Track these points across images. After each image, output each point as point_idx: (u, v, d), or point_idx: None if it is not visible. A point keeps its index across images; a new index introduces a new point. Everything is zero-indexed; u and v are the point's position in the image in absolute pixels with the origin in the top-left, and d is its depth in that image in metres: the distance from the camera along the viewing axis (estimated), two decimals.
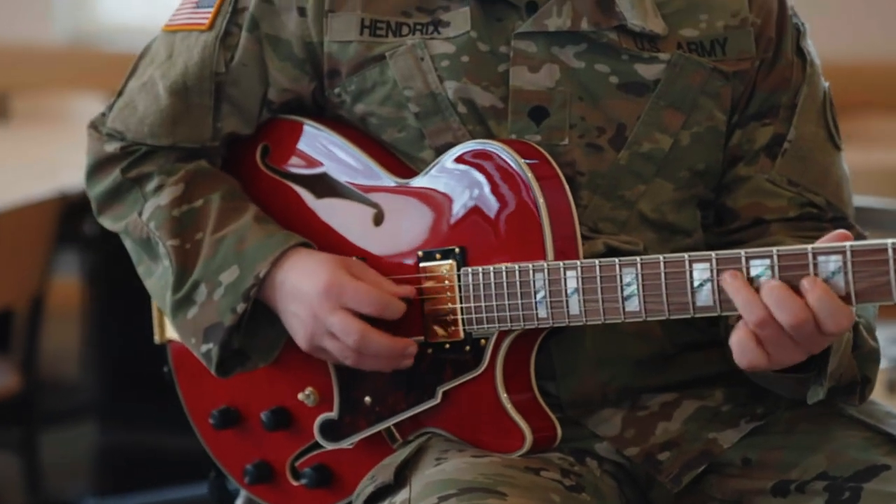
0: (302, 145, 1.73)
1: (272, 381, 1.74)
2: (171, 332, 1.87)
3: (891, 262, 1.33)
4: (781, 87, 1.65)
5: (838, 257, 1.36)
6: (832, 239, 1.39)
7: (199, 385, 1.84)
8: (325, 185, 1.70)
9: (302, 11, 1.67)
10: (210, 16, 1.70)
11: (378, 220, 1.65)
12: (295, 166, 1.73)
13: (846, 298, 1.36)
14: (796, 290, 1.38)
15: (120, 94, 1.75)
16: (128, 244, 1.75)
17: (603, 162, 1.61)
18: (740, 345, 1.42)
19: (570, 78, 1.61)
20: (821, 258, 1.37)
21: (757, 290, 1.40)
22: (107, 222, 1.76)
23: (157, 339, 1.89)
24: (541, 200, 1.54)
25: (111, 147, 1.73)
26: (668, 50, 1.62)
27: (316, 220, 1.70)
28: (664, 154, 1.62)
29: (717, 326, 1.63)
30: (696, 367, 1.65)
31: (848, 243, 1.36)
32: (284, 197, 1.72)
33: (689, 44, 1.63)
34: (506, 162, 1.56)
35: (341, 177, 1.69)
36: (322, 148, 1.71)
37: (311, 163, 1.71)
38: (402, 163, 1.67)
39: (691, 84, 1.62)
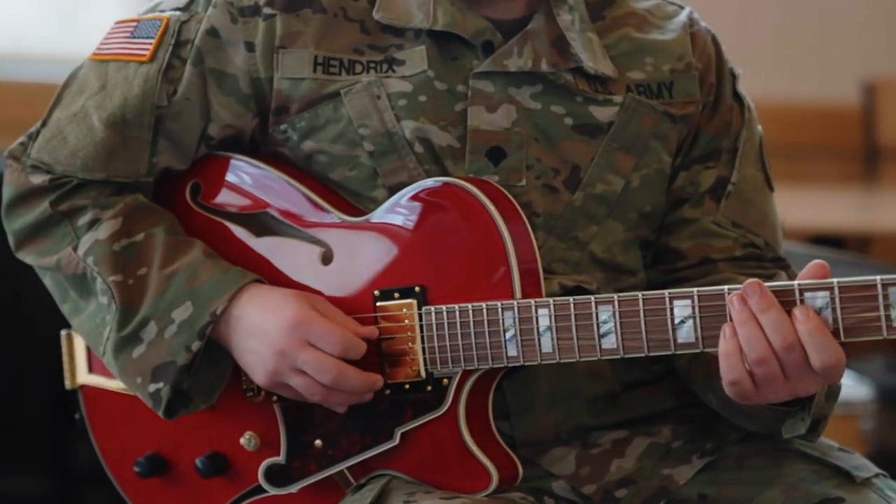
0: (238, 183, 1.69)
1: (205, 425, 1.69)
2: (84, 377, 1.80)
3: (880, 297, 1.37)
4: (723, 132, 1.70)
5: (825, 293, 1.40)
6: (810, 272, 1.43)
7: (117, 431, 1.77)
8: (264, 224, 1.66)
9: (250, 46, 1.64)
10: (151, 47, 1.65)
11: (326, 258, 1.62)
12: (231, 204, 1.68)
13: (834, 334, 1.40)
14: None
15: (44, 123, 1.68)
16: (51, 280, 1.68)
17: (558, 203, 1.63)
18: (738, 384, 1.44)
19: (526, 119, 1.62)
20: (808, 294, 1.41)
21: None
22: (28, 258, 1.68)
23: (67, 384, 1.81)
24: (508, 239, 1.54)
25: (38, 179, 1.66)
26: (619, 92, 1.65)
27: (256, 259, 1.66)
28: (616, 196, 1.65)
29: (659, 364, 1.66)
30: (642, 404, 1.67)
31: (835, 280, 1.40)
32: (220, 236, 1.68)
33: (637, 86, 1.66)
34: (471, 199, 1.56)
35: (283, 215, 1.65)
36: (261, 185, 1.67)
37: (250, 201, 1.67)
38: (348, 202, 1.65)
39: (643, 127, 1.65)
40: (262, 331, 1.56)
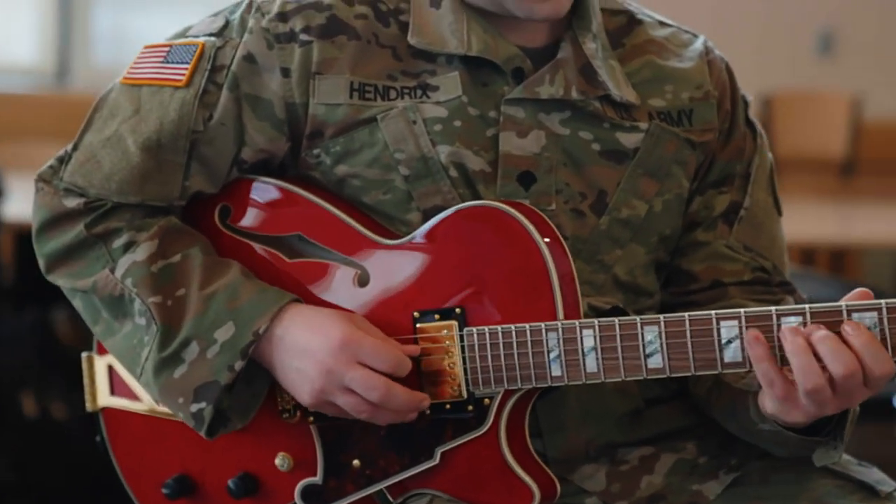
0: (269, 205, 1.70)
1: (236, 446, 1.70)
2: (105, 400, 1.81)
3: None
4: (736, 157, 1.75)
5: (873, 314, 1.45)
6: (856, 296, 1.48)
7: (142, 453, 1.78)
8: (296, 247, 1.68)
9: (286, 72, 1.66)
10: (187, 72, 1.66)
11: (362, 280, 1.65)
12: (262, 227, 1.70)
13: None
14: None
15: (76, 147, 1.69)
16: (83, 302, 1.68)
17: (585, 227, 1.67)
18: (781, 404, 1.49)
19: (555, 144, 1.66)
20: (855, 315, 1.46)
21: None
22: (60, 280, 1.69)
23: (88, 406, 1.81)
24: (550, 261, 1.58)
25: (72, 202, 1.67)
26: (642, 119, 1.70)
27: (289, 281, 1.67)
28: (640, 220, 1.69)
29: (676, 381, 1.70)
30: (666, 421, 1.72)
31: (883, 301, 1.45)
32: (250, 258, 1.69)
33: (658, 113, 1.71)
34: (512, 222, 1.59)
35: (315, 237, 1.67)
36: (292, 208, 1.69)
37: (281, 223, 1.69)
38: (380, 225, 1.67)
39: (666, 153, 1.70)
40: (308, 350, 1.58)
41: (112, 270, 1.65)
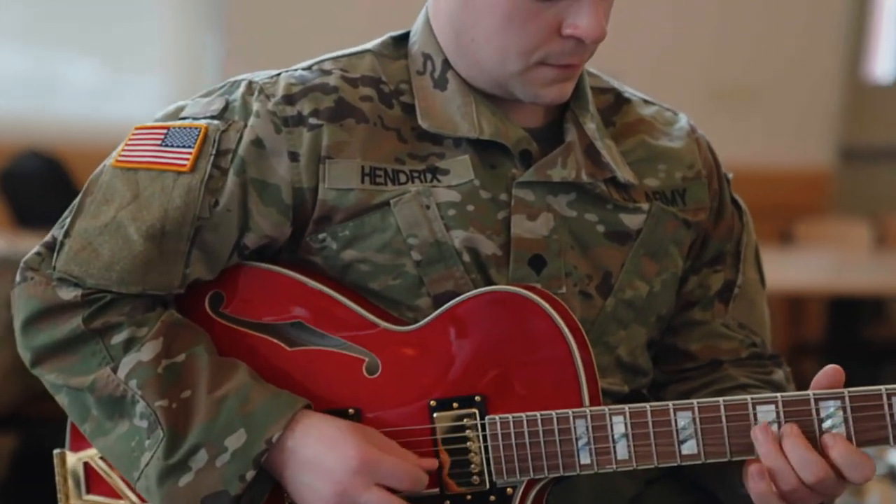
0: (266, 292, 1.64)
1: None
2: (79, 501, 1.71)
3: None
4: (727, 236, 1.77)
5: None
6: (828, 377, 1.50)
7: None
8: (297, 335, 1.62)
9: (294, 156, 1.60)
10: (190, 157, 1.60)
11: (371, 369, 1.60)
12: (260, 314, 1.64)
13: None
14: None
15: (67, 234, 1.60)
16: (71, 399, 1.59)
17: (593, 309, 1.66)
18: (764, 497, 1.50)
19: (563, 226, 1.65)
20: (894, 398, 1.48)
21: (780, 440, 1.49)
22: (50, 375, 1.59)
23: None
24: (574, 346, 1.56)
25: (68, 294, 1.58)
26: (641, 199, 1.70)
27: (291, 371, 1.62)
28: (642, 301, 1.69)
29: None
30: (667, 499, 1.71)
31: (874, 389, 1.48)
32: (247, 348, 1.63)
33: (654, 193, 1.71)
34: (533, 307, 1.57)
35: (318, 325, 1.62)
36: (291, 294, 1.63)
37: (280, 310, 1.63)
38: (386, 311, 1.63)
39: (665, 234, 1.70)
40: (322, 467, 1.53)
41: (114, 370, 1.56)
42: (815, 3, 6.24)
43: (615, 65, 1.70)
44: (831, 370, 1.51)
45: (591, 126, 1.68)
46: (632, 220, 1.68)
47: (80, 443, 1.69)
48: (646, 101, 1.78)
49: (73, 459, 1.71)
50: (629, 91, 1.78)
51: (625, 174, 1.68)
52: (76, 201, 1.62)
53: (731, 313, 1.75)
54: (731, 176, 1.80)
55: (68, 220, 1.61)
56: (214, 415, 1.54)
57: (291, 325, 1.63)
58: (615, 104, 1.75)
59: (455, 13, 1.60)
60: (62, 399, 1.61)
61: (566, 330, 1.56)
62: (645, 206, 1.69)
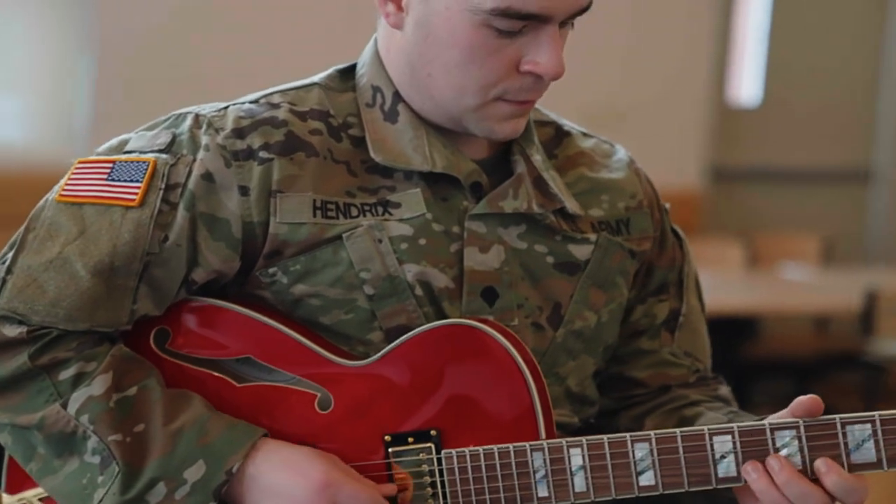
0: (213, 328, 1.62)
1: None
2: None
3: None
4: (670, 265, 1.79)
5: (867, 426, 1.50)
6: (803, 405, 1.52)
7: None
8: (247, 370, 1.61)
9: (244, 190, 1.58)
10: (139, 191, 1.57)
11: (324, 404, 1.59)
12: (206, 351, 1.61)
13: (877, 464, 1.50)
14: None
15: (9, 271, 1.56)
16: (15, 438, 1.56)
17: (544, 340, 1.66)
18: None
19: (514, 258, 1.65)
20: (848, 427, 1.51)
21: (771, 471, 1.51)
22: None
23: None
24: (530, 379, 1.56)
25: (12, 331, 1.54)
26: (587, 230, 1.71)
27: (243, 407, 1.59)
28: (591, 331, 1.70)
29: None
30: None
31: (877, 413, 1.51)
32: (195, 385, 1.60)
33: (599, 223, 1.72)
34: (489, 340, 1.57)
35: (267, 360, 1.60)
36: (239, 330, 1.61)
37: (229, 345, 1.61)
38: (337, 346, 1.62)
39: (612, 264, 1.71)
40: (284, 492, 1.51)
41: (64, 405, 1.53)
42: (684, 28, 6.35)
43: None
44: (808, 400, 1.52)
45: (538, 158, 1.69)
46: (580, 251, 1.69)
47: (17, 485, 1.65)
48: (584, 134, 1.80)
49: (11, 501, 1.67)
50: (567, 124, 1.80)
51: (572, 205, 1.69)
52: (17, 237, 1.58)
53: (677, 342, 1.77)
54: (668, 206, 1.83)
55: (10, 256, 1.57)
56: (172, 447, 1.52)
57: (240, 360, 1.61)
58: (556, 137, 1.76)
59: (412, 47, 1.60)
60: (4, 438, 1.57)
61: (522, 363, 1.57)
62: (592, 236, 1.70)
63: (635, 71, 6.27)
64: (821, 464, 1.50)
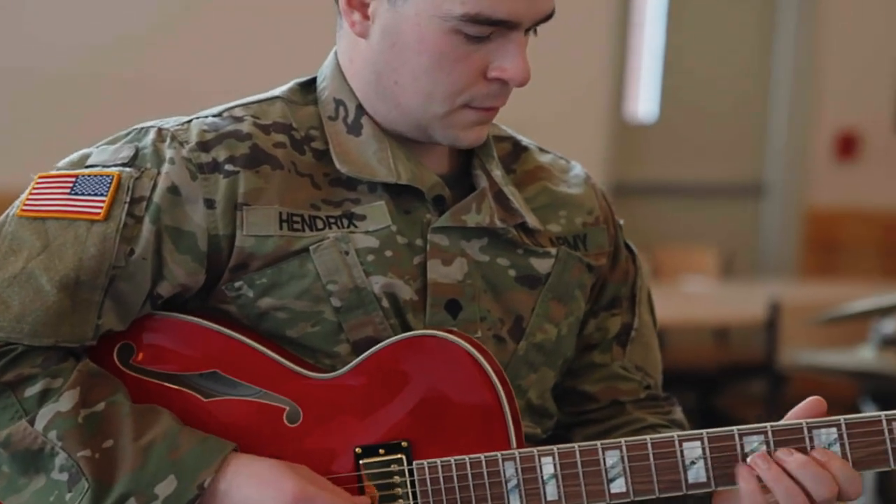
0: (179, 342, 1.61)
1: None
2: None
3: (885, 431, 1.53)
4: (622, 279, 1.80)
5: (833, 430, 1.53)
6: (810, 407, 1.55)
7: None
8: (213, 385, 1.60)
9: (210, 203, 1.58)
10: (103, 205, 1.56)
11: (292, 418, 1.58)
12: (172, 366, 1.60)
13: None
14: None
15: None
16: None
17: (505, 353, 1.67)
18: None
19: (476, 271, 1.66)
20: (815, 431, 1.54)
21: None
22: None
23: None
24: (500, 388, 1.57)
25: None
26: (547, 244, 1.72)
27: (210, 422, 1.58)
28: (552, 344, 1.71)
29: None
30: None
31: (842, 417, 1.54)
32: (161, 400, 1.59)
33: (557, 238, 1.74)
34: (458, 350, 1.57)
35: (234, 374, 1.60)
36: (206, 343, 1.60)
37: (194, 360, 1.60)
38: (302, 359, 1.62)
39: (572, 278, 1.73)
40: None
41: (31, 422, 1.51)
42: (583, 48, 6.41)
43: None
44: (814, 401, 1.55)
45: (498, 173, 1.71)
46: (541, 265, 1.71)
47: None
48: (541, 149, 1.82)
49: None
50: (524, 139, 1.81)
51: (532, 220, 1.71)
52: None
53: (628, 356, 1.78)
54: (622, 222, 1.85)
55: None
56: (142, 462, 1.51)
57: (206, 375, 1.60)
58: (514, 152, 1.78)
59: (378, 55, 1.61)
60: None
61: (491, 372, 1.58)
62: (553, 250, 1.72)
63: (535, 90, 6.29)
64: (819, 454, 1.52)
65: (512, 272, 1.69)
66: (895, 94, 7.08)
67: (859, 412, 1.58)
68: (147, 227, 1.56)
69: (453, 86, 1.59)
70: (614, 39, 6.60)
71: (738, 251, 6.92)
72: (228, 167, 1.59)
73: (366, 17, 1.61)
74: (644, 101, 6.87)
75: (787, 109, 7.07)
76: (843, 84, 7.03)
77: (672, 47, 6.86)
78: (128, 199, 1.56)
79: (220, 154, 1.59)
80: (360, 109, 1.65)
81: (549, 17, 1.61)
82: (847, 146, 7.13)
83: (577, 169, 1.82)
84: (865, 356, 3.73)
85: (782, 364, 4.75)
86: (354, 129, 1.65)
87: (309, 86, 1.70)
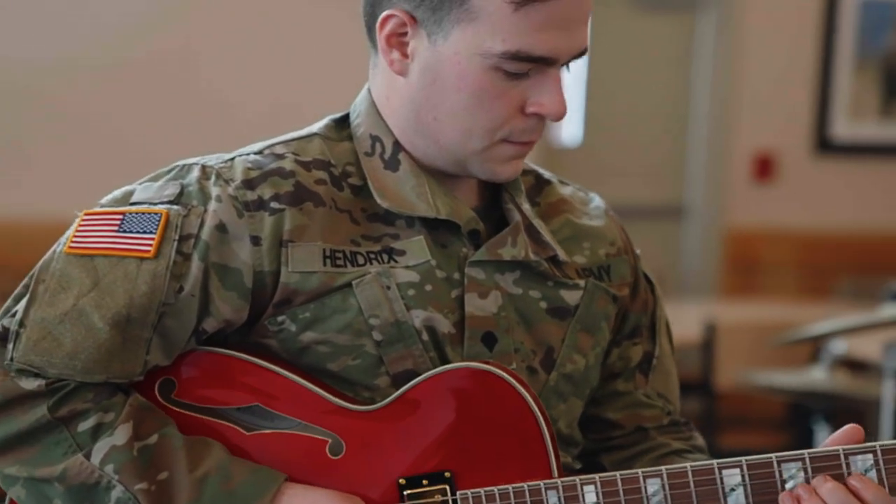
0: (221, 377, 1.62)
1: None
2: None
3: None
4: (642, 309, 1.85)
5: (869, 456, 1.58)
6: (845, 435, 1.60)
7: None
8: (255, 418, 1.61)
9: (256, 240, 1.60)
10: (153, 243, 1.57)
11: (335, 450, 1.60)
12: (215, 400, 1.62)
13: None
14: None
15: (21, 324, 1.55)
16: (30, 491, 1.55)
17: (538, 384, 1.70)
18: None
19: (510, 303, 1.70)
20: (851, 458, 1.59)
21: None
22: (10, 468, 1.55)
23: None
24: (541, 419, 1.61)
25: (30, 384, 1.54)
26: (572, 276, 1.76)
27: (254, 455, 1.60)
28: (580, 374, 1.75)
29: None
30: None
31: (878, 443, 1.59)
32: (206, 434, 1.60)
33: (583, 270, 1.78)
34: (499, 381, 1.60)
35: (276, 408, 1.61)
36: (247, 377, 1.62)
37: (236, 394, 1.62)
38: (342, 392, 1.64)
39: (599, 309, 1.77)
40: None
41: (87, 456, 1.52)
42: None
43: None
44: (852, 429, 1.60)
45: (527, 207, 1.74)
46: (571, 296, 1.74)
47: None
48: (561, 182, 1.85)
49: None
50: (545, 172, 1.85)
51: (561, 253, 1.74)
52: (23, 289, 1.57)
53: (650, 384, 1.82)
54: (639, 252, 1.89)
55: (21, 308, 1.56)
56: (198, 494, 1.52)
57: (247, 409, 1.61)
58: (537, 185, 1.81)
59: (417, 92, 1.63)
60: (17, 492, 1.55)
61: (532, 403, 1.61)
62: (581, 282, 1.75)
63: None
64: (855, 480, 1.56)
65: (543, 304, 1.72)
66: (810, 117, 7.22)
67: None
68: (196, 265, 1.58)
69: (492, 122, 1.62)
70: None
71: (661, 272, 7.01)
72: (274, 205, 1.61)
73: (405, 55, 1.63)
74: (568, 126, 6.95)
75: (706, 133, 7.18)
76: (759, 108, 7.15)
77: (594, 74, 6.95)
78: (177, 237, 1.58)
79: (266, 192, 1.61)
80: (397, 145, 1.67)
81: (583, 52, 1.64)
82: (764, 168, 7.25)
83: (597, 200, 1.86)
84: (817, 377, 3.81)
85: (717, 384, 4.83)
86: (392, 164, 1.67)
87: (343, 122, 1.72)
